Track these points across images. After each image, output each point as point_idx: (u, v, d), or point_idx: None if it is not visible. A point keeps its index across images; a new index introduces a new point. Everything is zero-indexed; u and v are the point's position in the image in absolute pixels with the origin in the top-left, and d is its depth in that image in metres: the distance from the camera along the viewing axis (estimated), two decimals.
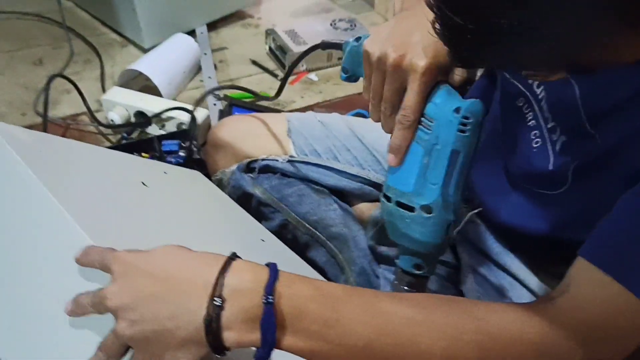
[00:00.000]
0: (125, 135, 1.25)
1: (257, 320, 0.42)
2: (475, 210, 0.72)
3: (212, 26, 1.61)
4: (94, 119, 1.25)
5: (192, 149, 1.07)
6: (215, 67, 1.48)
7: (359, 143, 0.91)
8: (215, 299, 0.41)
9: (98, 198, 0.62)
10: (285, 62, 1.44)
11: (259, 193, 0.91)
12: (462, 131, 0.55)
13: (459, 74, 0.58)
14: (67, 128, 1.28)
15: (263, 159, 0.92)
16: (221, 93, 1.32)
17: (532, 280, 0.71)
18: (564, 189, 0.60)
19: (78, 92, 1.26)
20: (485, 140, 0.60)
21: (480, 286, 0.75)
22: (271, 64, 1.51)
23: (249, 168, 0.94)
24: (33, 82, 1.39)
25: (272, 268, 0.43)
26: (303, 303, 0.43)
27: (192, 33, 1.52)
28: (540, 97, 0.60)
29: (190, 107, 1.19)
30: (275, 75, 1.47)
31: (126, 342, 0.44)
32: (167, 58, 1.40)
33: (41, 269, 0.54)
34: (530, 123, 0.62)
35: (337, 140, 0.92)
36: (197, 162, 1.08)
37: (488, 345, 0.45)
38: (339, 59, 1.50)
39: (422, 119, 0.56)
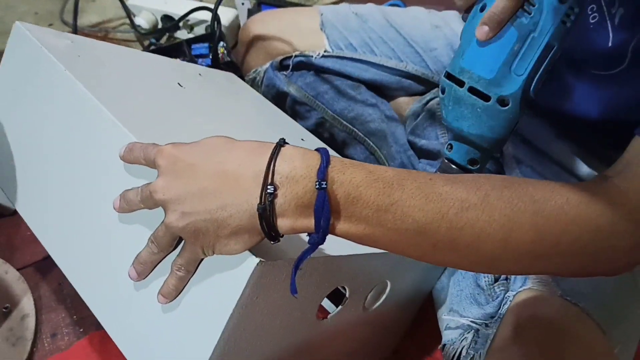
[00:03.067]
0: (153, 40, 1.23)
1: (310, 206, 0.41)
2: None
3: None
4: (131, 23, 1.22)
5: (217, 50, 1.03)
6: None
7: (397, 34, 0.88)
8: (268, 187, 0.41)
9: (137, 98, 0.62)
10: None
11: (293, 91, 0.89)
12: (564, 22, 0.51)
13: None
14: (99, 36, 1.26)
15: (296, 55, 0.90)
16: None
17: (582, 167, 0.69)
18: (622, 67, 0.56)
19: None
20: None
21: (526, 177, 0.73)
22: None
23: (282, 65, 0.91)
24: None
25: (323, 153, 0.42)
26: (356, 187, 0.42)
27: None
28: None
29: (211, 5, 1.15)
30: None
31: (177, 234, 0.45)
32: None
33: (86, 168, 0.54)
34: None
35: (373, 32, 0.88)
36: (228, 64, 1.06)
37: (545, 227, 0.43)
38: None
39: (526, 1, 0.51)
